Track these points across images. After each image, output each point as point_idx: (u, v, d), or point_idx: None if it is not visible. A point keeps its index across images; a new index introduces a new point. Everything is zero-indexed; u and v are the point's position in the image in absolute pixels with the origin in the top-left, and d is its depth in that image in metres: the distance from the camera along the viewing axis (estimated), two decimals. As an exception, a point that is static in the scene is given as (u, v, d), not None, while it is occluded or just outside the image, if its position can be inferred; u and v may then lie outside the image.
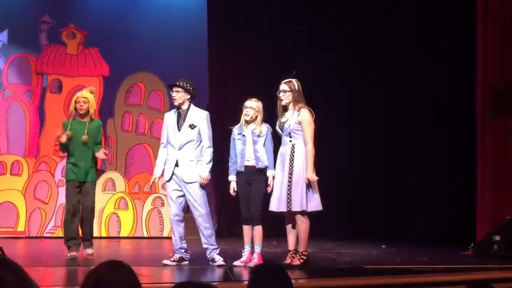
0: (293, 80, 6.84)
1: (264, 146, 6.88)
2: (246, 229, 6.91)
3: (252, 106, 6.91)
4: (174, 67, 10.40)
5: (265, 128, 6.91)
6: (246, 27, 10.60)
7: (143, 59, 10.74)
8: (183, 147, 6.93)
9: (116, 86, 10.82)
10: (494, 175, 8.19)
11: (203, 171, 6.90)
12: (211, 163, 6.96)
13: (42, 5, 10.93)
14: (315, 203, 6.67)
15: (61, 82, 10.79)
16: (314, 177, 6.62)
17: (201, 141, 6.96)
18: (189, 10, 11.00)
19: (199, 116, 7.00)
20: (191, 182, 6.90)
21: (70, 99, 10.53)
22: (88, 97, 7.43)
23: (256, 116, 6.91)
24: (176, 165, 6.92)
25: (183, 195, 6.96)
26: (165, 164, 7.03)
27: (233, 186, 6.95)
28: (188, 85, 7.02)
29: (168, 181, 7.00)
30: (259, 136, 6.89)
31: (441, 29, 9.70)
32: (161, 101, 10.90)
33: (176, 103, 7.03)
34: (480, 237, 8.08)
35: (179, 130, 6.97)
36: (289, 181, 6.63)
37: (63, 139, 7.32)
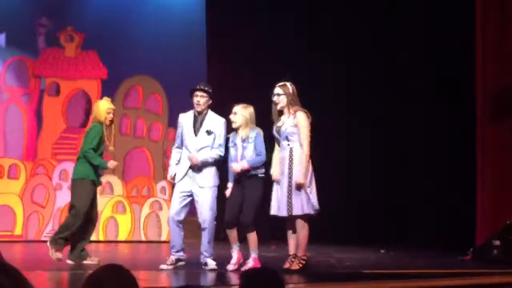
0: (288, 83, 6.76)
1: (254, 150, 6.70)
2: (229, 232, 6.79)
3: (237, 112, 6.77)
4: (173, 70, 10.39)
5: (253, 133, 6.74)
6: (245, 28, 10.59)
7: (142, 61, 10.71)
8: (198, 152, 6.86)
9: (114, 89, 10.78)
10: (494, 179, 8.18)
11: (201, 154, 6.81)
12: (212, 160, 6.82)
13: (39, 8, 10.90)
14: (313, 205, 6.61)
15: (59, 85, 10.76)
16: (301, 181, 6.46)
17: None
18: (187, 12, 10.99)
19: (217, 123, 6.92)
20: (204, 187, 6.83)
21: (67, 102, 10.59)
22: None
23: (244, 122, 6.75)
24: (191, 167, 6.86)
25: (190, 198, 6.88)
26: (177, 165, 6.95)
27: (228, 192, 6.89)
28: (211, 90, 6.98)
29: (180, 181, 6.90)
30: (245, 140, 6.74)
31: (441, 31, 9.68)
32: (159, 104, 10.87)
33: (199, 109, 6.88)
34: (480, 242, 8.06)
35: (195, 134, 6.89)
36: (289, 186, 6.57)
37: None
